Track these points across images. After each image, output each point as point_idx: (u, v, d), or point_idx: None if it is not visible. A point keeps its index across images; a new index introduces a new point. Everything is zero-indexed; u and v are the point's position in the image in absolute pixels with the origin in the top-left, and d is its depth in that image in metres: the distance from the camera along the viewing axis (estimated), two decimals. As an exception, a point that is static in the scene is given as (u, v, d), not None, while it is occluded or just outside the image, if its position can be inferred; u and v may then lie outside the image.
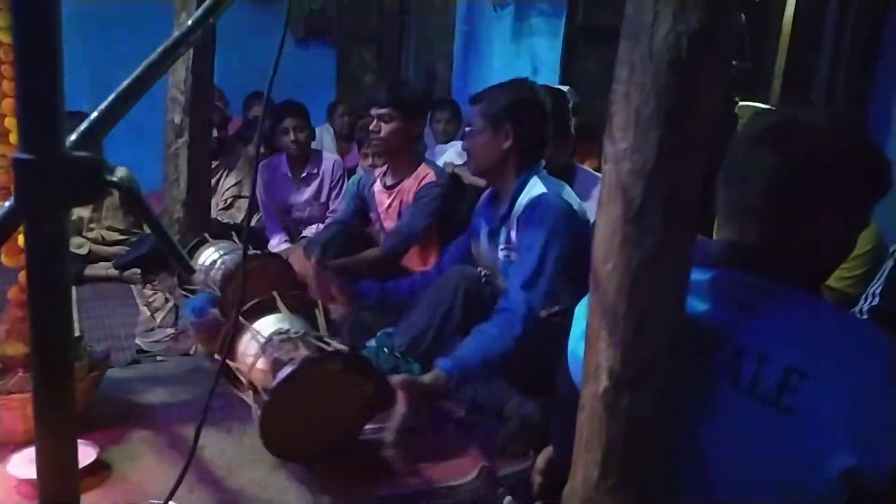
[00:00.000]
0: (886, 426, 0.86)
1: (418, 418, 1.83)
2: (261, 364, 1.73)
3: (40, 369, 0.56)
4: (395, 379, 1.77)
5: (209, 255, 2.54)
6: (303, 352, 1.70)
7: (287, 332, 1.77)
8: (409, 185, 2.78)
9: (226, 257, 2.45)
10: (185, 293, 2.53)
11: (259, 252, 2.73)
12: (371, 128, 2.69)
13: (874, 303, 1.77)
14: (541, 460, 1.51)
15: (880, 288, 1.78)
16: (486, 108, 2.05)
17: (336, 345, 1.75)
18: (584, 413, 0.97)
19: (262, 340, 1.75)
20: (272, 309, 1.88)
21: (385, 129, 2.65)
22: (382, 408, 1.85)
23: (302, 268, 2.54)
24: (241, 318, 1.81)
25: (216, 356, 1.88)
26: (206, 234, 2.62)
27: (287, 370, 1.62)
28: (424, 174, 2.77)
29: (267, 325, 1.83)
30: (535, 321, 1.87)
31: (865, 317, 1.77)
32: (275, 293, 1.88)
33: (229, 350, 1.83)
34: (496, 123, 2.03)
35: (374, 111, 2.68)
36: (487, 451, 1.86)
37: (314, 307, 1.93)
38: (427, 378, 1.79)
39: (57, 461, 0.56)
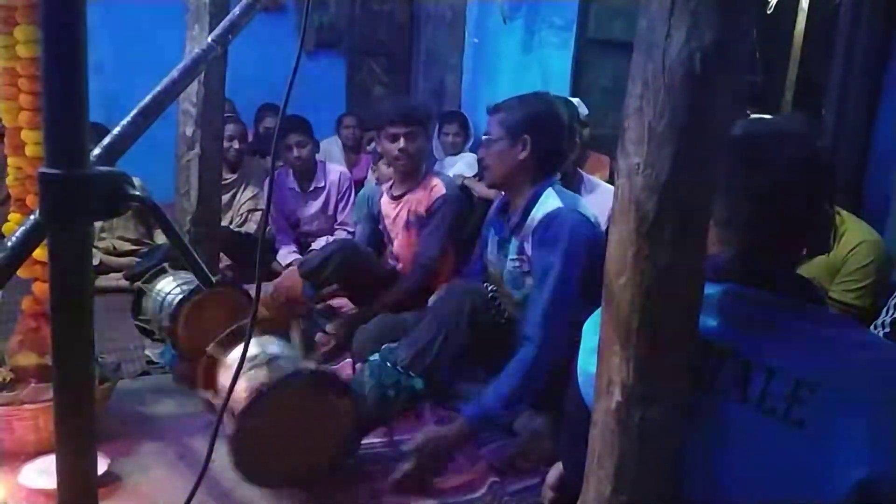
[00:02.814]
0: None
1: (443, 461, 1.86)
2: (236, 394, 1.67)
3: (61, 380, 0.56)
4: (418, 438, 1.80)
5: (163, 287, 2.31)
6: (264, 378, 1.63)
7: (255, 357, 1.71)
8: (418, 195, 2.80)
9: (177, 290, 2.24)
10: (145, 335, 2.42)
11: (196, 286, 2.31)
12: (400, 147, 2.69)
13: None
14: (551, 476, 1.50)
15: None
16: (504, 118, 2.07)
17: (305, 363, 1.71)
18: (596, 428, 0.97)
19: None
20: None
21: (413, 147, 2.70)
22: (369, 425, 1.85)
23: (291, 291, 2.55)
24: (212, 354, 1.78)
25: (201, 396, 1.83)
26: (166, 264, 2.39)
27: (244, 401, 1.56)
28: (433, 184, 2.80)
29: (238, 354, 1.79)
30: (556, 350, 1.85)
31: (888, 329, 1.77)
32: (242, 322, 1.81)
33: (211, 385, 1.80)
34: (513, 134, 2.04)
35: (399, 129, 2.68)
36: (497, 466, 1.86)
37: (288, 326, 1.90)
38: (452, 429, 1.82)
39: (76, 472, 0.57)
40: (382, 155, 3.20)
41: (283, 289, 2.62)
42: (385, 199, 2.92)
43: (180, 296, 2.18)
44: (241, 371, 1.64)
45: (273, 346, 1.80)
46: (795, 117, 1.37)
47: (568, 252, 1.90)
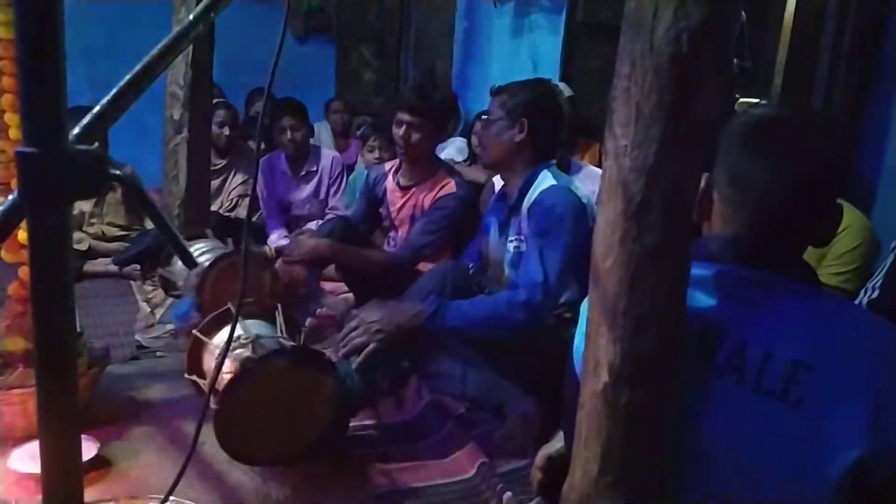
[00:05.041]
0: None
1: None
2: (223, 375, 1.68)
3: (43, 364, 0.56)
4: (384, 319, 1.84)
5: (200, 247, 2.46)
6: (248, 354, 1.65)
7: (238, 338, 1.71)
8: (427, 190, 2.74)
9: (202, 258, 2.32)
10: (171, 297, 2.49)
11: (235, 249, 2.58)
12: (401, 134, 2.63)
13: (873, 296, 1.79)
14: (540, 457, 1.51)
15: (880, 282, 1.80)
16: (505, 100, 2.10)
17: (288, 342, 1.72)
18: (583, 409, 0.97)
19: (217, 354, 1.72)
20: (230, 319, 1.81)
21: (415, 137, 2.63)
22: (357, 407, 1.85)
23: (307, 252, 2.54)
24: (199, 334, 1.79)
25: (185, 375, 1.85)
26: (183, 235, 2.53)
27: (228, 378, 1.56)
28: (444, 183, 2.73)
29: (223, 337, 1.78)
30: (539, 306, 1.86)
31: None
32: (229, 304, 1.83)
33: (197, 368, 1.82)
34: (512, 116, 2.07)
35: (404, 116, 2.63)
36: (487, 448, 1.86)
37: (274, 309, 1.89)
38: (410, 309, 1.87)
39: (60, 456, 0.56)
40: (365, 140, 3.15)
41: (308, 246, 2.60)
42: (391, 185, 2.84)
43: (213, 256, 2.24)
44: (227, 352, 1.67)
45: (257, 327, 1.81)
46: (800, 106, 1.38)
47: (561, 225, 1.92)
